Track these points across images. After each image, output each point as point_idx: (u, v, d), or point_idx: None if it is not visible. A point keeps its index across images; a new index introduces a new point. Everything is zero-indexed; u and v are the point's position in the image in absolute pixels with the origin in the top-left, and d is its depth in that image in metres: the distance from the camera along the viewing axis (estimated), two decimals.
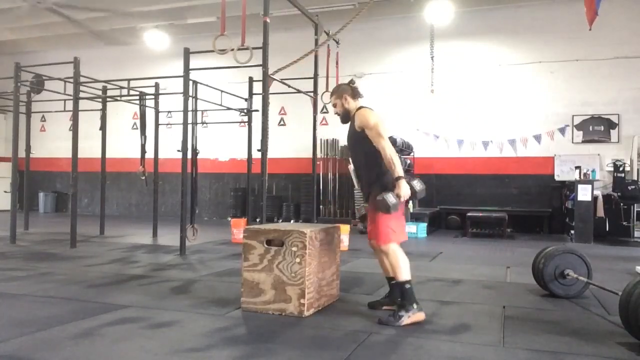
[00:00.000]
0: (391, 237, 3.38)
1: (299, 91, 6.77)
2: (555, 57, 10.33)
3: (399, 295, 3.33)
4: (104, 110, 8.50)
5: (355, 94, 3.65)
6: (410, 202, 10.00)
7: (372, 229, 3.51)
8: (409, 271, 3.34)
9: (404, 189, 3.27)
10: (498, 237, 9.02)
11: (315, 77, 6.72)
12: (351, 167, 11.09)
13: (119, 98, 8.42)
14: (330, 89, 4.01)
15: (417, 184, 3.36)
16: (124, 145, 12.61)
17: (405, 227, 3.57)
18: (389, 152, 3.33)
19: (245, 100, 7.29)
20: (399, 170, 3.29)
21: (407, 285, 3.29)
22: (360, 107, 3.59)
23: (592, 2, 6.05)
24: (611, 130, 10.02)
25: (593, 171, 8.96)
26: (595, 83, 10.10)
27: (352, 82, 3.74)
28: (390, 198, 3.26)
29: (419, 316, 3.25)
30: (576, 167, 9.04)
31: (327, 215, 11.00)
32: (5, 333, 2.84)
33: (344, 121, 3.69)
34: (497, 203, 10.41)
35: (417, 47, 11.14)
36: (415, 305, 3.25)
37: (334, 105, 3.71)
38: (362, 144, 3.48)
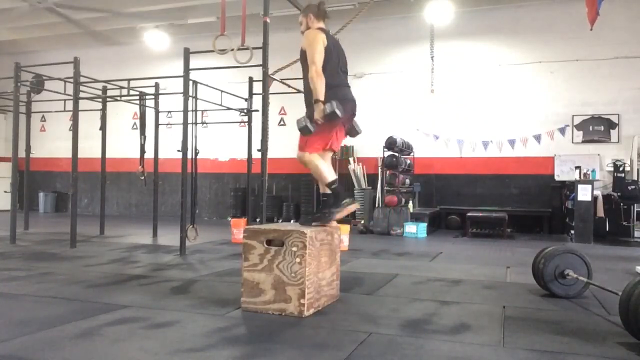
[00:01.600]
0: (305, 146, 3.64)
1: (299, 91, 6.73)
2: (555, 57, 10.33)
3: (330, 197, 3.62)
4: (104, 110, 8.50)
5: (320, 15, 3.82)
6: (410, 202, 10.01)
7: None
8: (332, 173, 3.66)
9: (317, 114, 3.52)
10: (498, 237, 9.02)
11: None
12: (351, 166, 11.15)
13: (119, 98, 8.42)
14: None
15: (329, 107, 3.50)
16: (124, 145, 12.61)
17: (323, 141, 3.72)
18: (312, 74, 3.54)
19: (245, 100, 7.29)
20: (317, 94, 3.52)
21: (334, 186, 3.58)
22: (317, 28, 3.76)
23: (594, 3, 6.05)
24: (611, 130, 10.02)
25: (593, 171, 8.96)
26: (595, 83, 10.10)
27: (321, 3, 3.89)
28: (300, 121, 3.58)
29: (351, 208, 3.58)
30: (576, 167, 9.04)
31: None
32: (5, 333, 2.84)
33: None
34: (497, 203, 10.41)
35: (417, 47, 11.14)
36: (344, 201, 3.58)
37: (300, 24, 3.90)
38: (305, 64, 3.70)
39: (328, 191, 3.67)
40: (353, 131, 3.98)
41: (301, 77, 6.44)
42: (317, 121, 3.56)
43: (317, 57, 3.57)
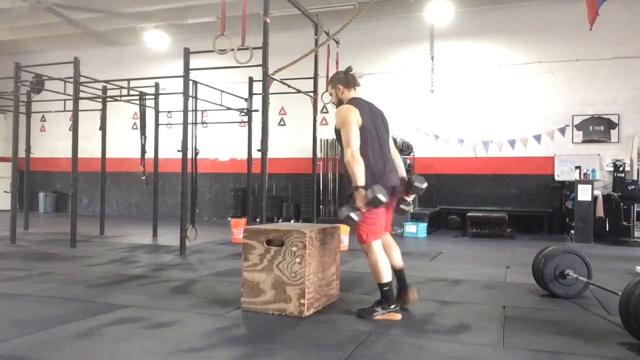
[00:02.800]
0: (366, 237, 3.35)
1: (299, 91, 6.77)
2: (555, 57, 10.33)
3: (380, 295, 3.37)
4: (104, 110, 8.50)
5: (350, 83, 3.54)
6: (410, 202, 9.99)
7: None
8: (389, 273, 3.36)
9: (358, 201, 3.20)
10: (498, 237, 9.02)
11: (315, 77, 6.71)
12: None
13: (119, 98, 8.42)
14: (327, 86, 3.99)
15: (371, 193, 3.20)
16: (124, 145, 12.61)
17: (382, 223, 3.44)
18: (348, 159, 3.25)
19: (245, 100, 7.29)
20: (356, 180, 3.22)
21: (386, 288, 3.32)
22: (349, 100, 3.48)
23: (594, 3, 6.05)
24: (611, 130, 10.02)
25: (593, 171, 8.96)
26: (595, 83, 10.10)
27: (349, 69, 3.63)
28: (343, 212, 3.25)
29: (394, 316, 3.30)
30: (576, 167, 9.03)
31: (327, 215, 10.99)
32: (5, 333, 2.84)
33: None
34: (497, 203, 10.41)
35: (417, 47, 11.14)
36: (392, 306, 3.31)
37: (330, 95, 3.66)
38: (341, 142, 3.40)
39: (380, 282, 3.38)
40: (414, 189, 3.61)
41: (301, 77, 6.39)
42: (360, 209, 3.25)
43: (353, 141, 3.27)
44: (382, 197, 3.20)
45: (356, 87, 3.58)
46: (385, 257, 3.40)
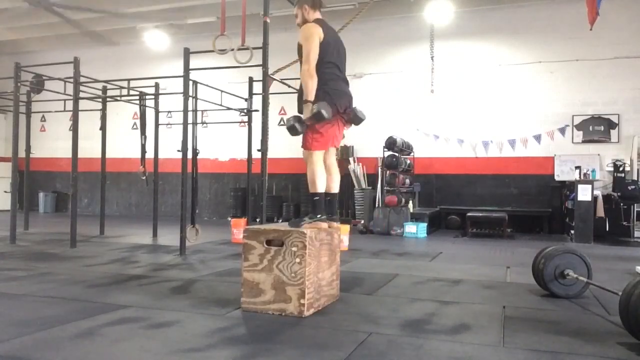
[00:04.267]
0: (310, 144, 3.63)
1: (298, 91, 6.77)
2: (555, 57, 10.33)
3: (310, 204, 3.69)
4: (104, 110, 8.50)
5: (316, 4, 3.74)
6: (410, 202, 10.01)
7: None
8: (323, 185, 3.67)
9: (305, 112, 3.53)
10: (498, 237, 9.02)
11: None
12: (351, 166, 11.15)
13: (119, 98, 8.42)
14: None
15: (316, 107, 3.46)
16: (124, 145, 12.61)
17: (329, 137, 3.70)
18: (303, 73, 3.51)
19: (245, 100, 7.29)
20: (307, 94, 3.51)
21: (316, 197, 3.62)
22: (314, 20, 3.69)
23: (594, 3, 6.06)
24: (611, 130, 10.02)
25: (593, 171, 8.96)
26: (595, 83, 10.10)
27: None
28: (289, 121, 3.62)
29: (320, 224, 3.58)
30: (576, 167, 9.04)
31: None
32: (5, 333, 2.84)
33: None
34: (497, 203, 10.41)
35: (417, 47, 11.14)
36: (319, 215, 3.60)
37: (295, 16, 3.82)
38: (301, 59, 3.65)
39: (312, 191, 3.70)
40: (357, 119, 3.85)
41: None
42: (306, 122, 3.57)
43: (312, 55, 3.53)
44: (325, 113, 3.46)
45: (321, 9, 3.81)
46: (324, 171, 3.69)
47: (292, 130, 3.62)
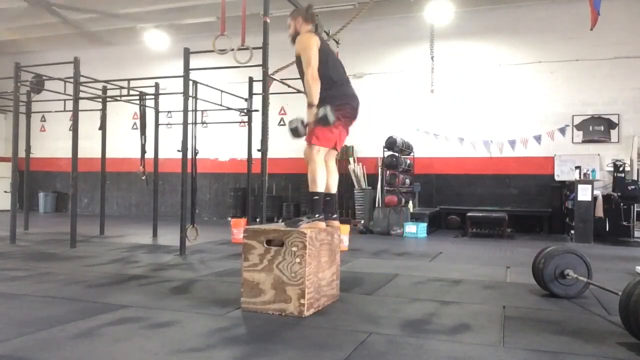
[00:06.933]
0: (314, 139, 3.62)
1: (299, 91, 6.75)
2: (555, 57, 10.33)
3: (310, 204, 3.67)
4: (104, 110, 8.50)
5: (309, 18, 3.81)
6: (410, 202, 10.01)
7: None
8: (323, 185, 3.68)
9: (309, 116, 3.58)
10: (498, 237, 9.02)
11: None
12: (351, 166, 11.15)
13: (119, 98, 8.41)
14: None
15: (322, 111, 3.49)
16: (124, 145, 12.61)
17: (334, 137, 3.74)
18: (308, 78, 3.56)
19: (245, 100, 7.29)
20: (310, 97, 3.56)
21: (316, 197, 3.61)
22: (306, 31, 3.75)
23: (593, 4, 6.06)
24: (611, 130, 10.02)
25: (593, 171, 8.96)
26: (595, 83, 10.10)
27: (309, 6, 3.90)
28: (292, 122, 3.63)
29: (319, 224, 3.57)
30: (576, 167, 9.04)
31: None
32: (5, 333, 2.84)
33: (293, 43, 3.82)
34: (497, 203, 10.42)
35: (417, 47, 11.14)
36: (317, 215, 3.60)
37: (289, 27, 3.88)
38: (301, 68, 3.71)
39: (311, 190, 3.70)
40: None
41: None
42: (309, 125, 3.59)
43: (313, 61, 3.57)
44: (330, 117, 3.49)
45: (313, 24, 3.87)
46: (325, 171, 3.70)
47: (295, 132, 3.63)
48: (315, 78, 3.57)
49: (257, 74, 5.76)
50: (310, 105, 3.57)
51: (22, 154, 8.11)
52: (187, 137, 6.18)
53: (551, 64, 10.37)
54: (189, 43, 6.86)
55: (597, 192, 8.88)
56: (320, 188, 3.65)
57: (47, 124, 14.32)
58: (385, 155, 9.45)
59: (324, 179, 3.69)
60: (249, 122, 7.46)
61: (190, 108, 6.31)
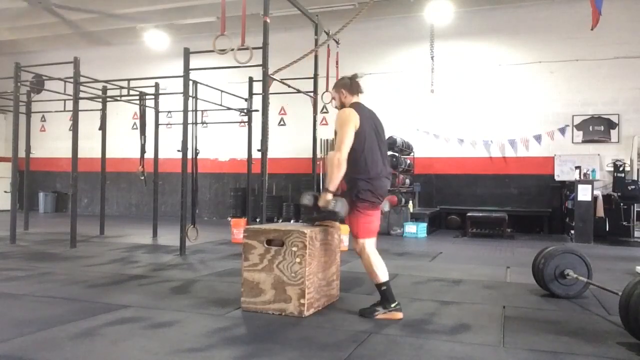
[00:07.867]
0: (359, 233, 3.40)
1: (299, 91, 6.77)
2: (555, 57, 10.33)
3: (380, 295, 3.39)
4: (104, 110, 8.50)
5: (354, 89, 3.59)
6: (410, 202, 10.01)
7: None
8: (385, 272, 3.38)
9: (321, 200, 3.38)
10: (498, 237, 9.02)
11: (315, 77, 6.72)
12: None
13: (119, 98, 8.42)
14: (330, 89, 3.99)
15: (333, 203, 3.32)
16: (124, 145, 12.61)
17: (376, 225, 3.54)
18: (333, 162, 3.32)
19: (245, 100, 7.29)
20: (328, 182, 3.35)
21: (383, 287, 3.34)
22: (351, 104, 3.54)
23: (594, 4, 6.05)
24: (611, 130, 10.02)
25: (593, 171, 8.96)
26: (595, 83, 10.10)
27: (355, 76, 3.67)
28: (304, 197, 3.51)
29: (396, 315, 3.30)
30: (576, 167, 9.04)
31: None
32: (5, 333, 2.84)
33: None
34: (497, 203, 10.41)
35: (417, 47, 11.14)
36: (393, 305, 3.31)
37: (333, 99, 3.70)
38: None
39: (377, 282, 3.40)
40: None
41: (301, 77, 6.39)
42: (316, 212, 3.47)
43: (345, 143, 3.32)
44: (340, 214, 3.33)
45: (359, 93, 3.61)
46: (379, 257, 3.42)
47: (303, 202, 3.50)
48: (340, 164, 3.30)
49: (257, 74, 5.75)
50: (326, 189, 3.34)
51: (22, 154, 8.12)
52: (187, 137, 6.18)
53: (551, 64, 10.37)
54: (189, 43, 6.86)
55: (597, 192, 8.88)
56: (383, 277, 3.34)
57: (47, 124, 14.32)
58: None
59: (383, 266, 3.38)
60: (249, 122, 7.46)
61: (190, 108, 6.31)
